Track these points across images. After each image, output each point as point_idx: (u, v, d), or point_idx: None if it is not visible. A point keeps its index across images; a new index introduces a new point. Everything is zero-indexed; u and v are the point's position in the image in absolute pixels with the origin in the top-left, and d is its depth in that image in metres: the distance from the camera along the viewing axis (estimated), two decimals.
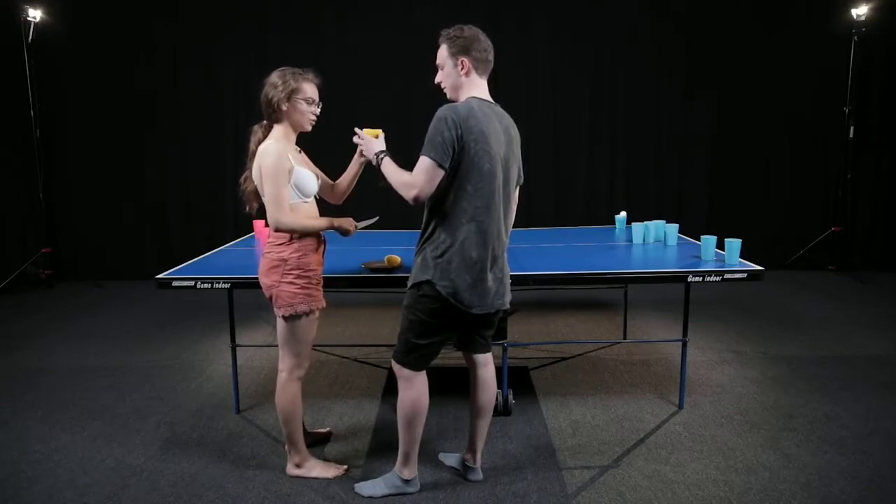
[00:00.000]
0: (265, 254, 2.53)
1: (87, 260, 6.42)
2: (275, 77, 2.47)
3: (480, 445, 2.61)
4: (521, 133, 2.44)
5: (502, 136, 2.27)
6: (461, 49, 2.26)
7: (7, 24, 5.83)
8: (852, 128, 6.26)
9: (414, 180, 2.19)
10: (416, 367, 2.39)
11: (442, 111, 2.18)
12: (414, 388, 2.39)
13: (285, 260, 2.46)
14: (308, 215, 2.53)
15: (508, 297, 2.43)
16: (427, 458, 2.79)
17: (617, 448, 2.88)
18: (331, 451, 2.88)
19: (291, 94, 2.45)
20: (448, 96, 2.35)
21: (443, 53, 2.31)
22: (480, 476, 2.62)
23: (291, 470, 2.66)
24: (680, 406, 3.30)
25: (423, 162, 2.17)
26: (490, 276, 2.29)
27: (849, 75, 6.17)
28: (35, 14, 5.83)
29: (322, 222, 2.55)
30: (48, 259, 6.21)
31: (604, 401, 3.39)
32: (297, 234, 2.47)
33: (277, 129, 2.51)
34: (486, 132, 2.19)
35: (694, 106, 6.46)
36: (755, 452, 2.82)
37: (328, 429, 3.07)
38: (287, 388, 2.56)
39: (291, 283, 2.47)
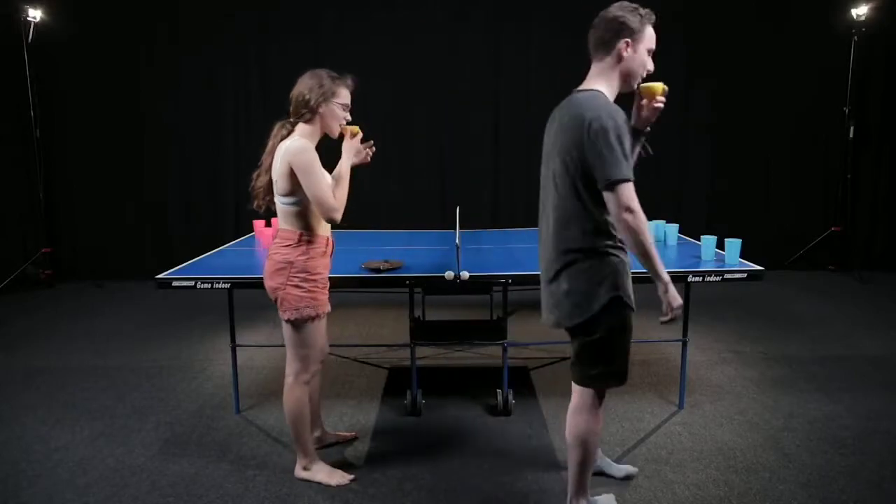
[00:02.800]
0: (271, 255, 2.49)
1: (87, 260, 6.41)
2: (311, 78, 2.42)
3: (571, 487, 2.31)
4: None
5: (552, 132, 2.17)
6: None
7: (7, 24, 5.82)
8: (852, 128, 6.26)
9: None
10: None
11: None
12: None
13: (291, 262, 2.42)
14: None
15: (554, 316, 2.19)
16: (426, 456, 2.79)
17: (617, 448, 2.88)
18: (331, 451, 2.88)
19: (329, 98, 2.41)
20: None
21: None
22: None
23: (299, 472, 2.65)
24: (680, 406, 3.30)
25: None
26: (542, 282, 2.26)
27: (849, 75, 6.18)
28: (35, 14, 5.82)
29: (344, 168, 2.51)
30: (48, 259, 6.20)
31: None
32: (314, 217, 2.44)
33: (304, 129, 2.44)
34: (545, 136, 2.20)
35: (694, 106, 6.44)
36: (755, 452, 2.82)
37: (353, 433, 3.04)
38: (293, 392, 2.55)
39: (297, 286, 2.43)
